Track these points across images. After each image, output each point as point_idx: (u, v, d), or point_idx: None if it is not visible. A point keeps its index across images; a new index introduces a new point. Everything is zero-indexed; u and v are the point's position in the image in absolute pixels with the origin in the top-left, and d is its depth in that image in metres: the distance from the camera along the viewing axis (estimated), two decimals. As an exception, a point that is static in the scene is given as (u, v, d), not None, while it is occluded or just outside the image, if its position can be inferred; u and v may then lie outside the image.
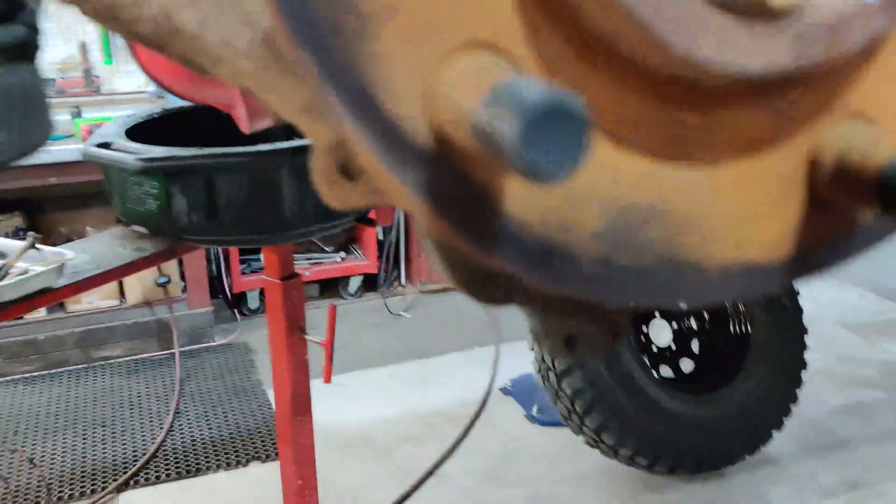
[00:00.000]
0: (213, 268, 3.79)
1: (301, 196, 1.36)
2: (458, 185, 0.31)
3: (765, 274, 0.37)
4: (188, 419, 3.00)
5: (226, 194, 1.37)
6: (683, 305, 0.38)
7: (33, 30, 0.52)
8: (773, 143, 0.35)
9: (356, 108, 0.29)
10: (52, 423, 3.00)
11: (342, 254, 4.12)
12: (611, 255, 0.34)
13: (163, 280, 3.42)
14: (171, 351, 3.46)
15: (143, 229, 1.48)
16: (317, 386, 1.85)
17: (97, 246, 1.46)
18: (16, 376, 3.32)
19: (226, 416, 3.01)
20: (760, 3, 0.29)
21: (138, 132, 1.54)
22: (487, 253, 0.33)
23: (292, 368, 1.75)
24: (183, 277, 3.54)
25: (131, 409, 3.09)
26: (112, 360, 3.45)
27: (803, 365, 2.67)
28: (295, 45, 0.30)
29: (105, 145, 1.43)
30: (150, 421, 3.00)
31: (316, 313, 2.97)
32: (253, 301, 3.91)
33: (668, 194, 0.34)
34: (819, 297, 3.77)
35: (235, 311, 3.85)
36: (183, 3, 0.46)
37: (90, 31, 3.64)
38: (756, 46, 0.29)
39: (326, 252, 4.11)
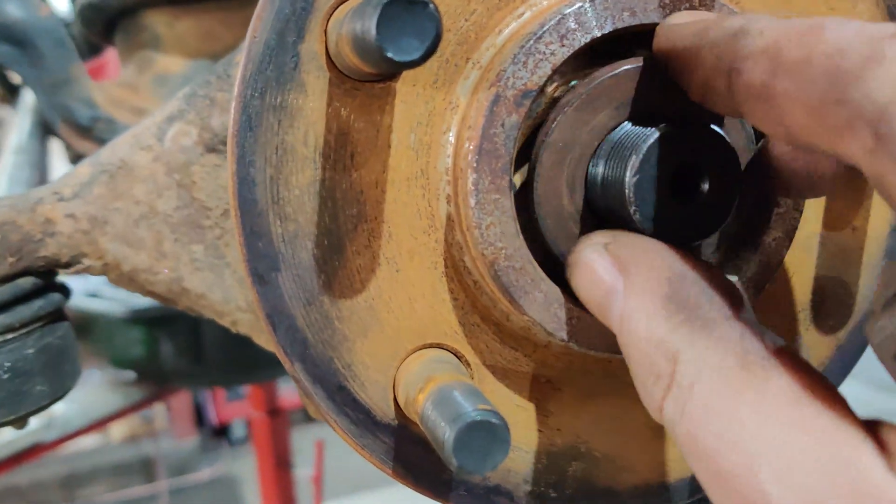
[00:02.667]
0: (198, 396, 3.77)
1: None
2: (416, 450, 0.40)
3: (671, 491, 0.45)
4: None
5: (212, 337, 1.41)
6: None
7: (66, 293, 0.57)
8: None
9: (335, 399, 0.39)
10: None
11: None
12: (542, 490, 0.43)
13: (147, 413, 3.40)
14: (157, 488, 3.40)
15: (130, 374, 1.50)
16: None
17: (85, 395, 1.49)
18: (-3, 524, 3.23)
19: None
20: None
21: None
22: (443, 500, 0.41)
23: (282, 504, 1.74)
24: (167, 408, 3.51)
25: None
26: (97, 501, 3.37)
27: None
28: (282, 356, 0.38)
29: (92, 295, 1.48)
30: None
31: (305, 435, 2.94)
32: (239, 429, 3.86)
33: (585, 436, 0.43)
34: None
35: (221, 440, 3.81)
36: (190, 271, 0.54)
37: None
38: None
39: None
